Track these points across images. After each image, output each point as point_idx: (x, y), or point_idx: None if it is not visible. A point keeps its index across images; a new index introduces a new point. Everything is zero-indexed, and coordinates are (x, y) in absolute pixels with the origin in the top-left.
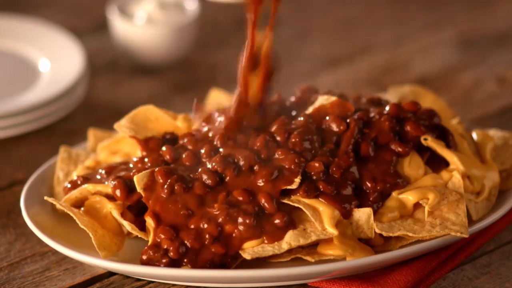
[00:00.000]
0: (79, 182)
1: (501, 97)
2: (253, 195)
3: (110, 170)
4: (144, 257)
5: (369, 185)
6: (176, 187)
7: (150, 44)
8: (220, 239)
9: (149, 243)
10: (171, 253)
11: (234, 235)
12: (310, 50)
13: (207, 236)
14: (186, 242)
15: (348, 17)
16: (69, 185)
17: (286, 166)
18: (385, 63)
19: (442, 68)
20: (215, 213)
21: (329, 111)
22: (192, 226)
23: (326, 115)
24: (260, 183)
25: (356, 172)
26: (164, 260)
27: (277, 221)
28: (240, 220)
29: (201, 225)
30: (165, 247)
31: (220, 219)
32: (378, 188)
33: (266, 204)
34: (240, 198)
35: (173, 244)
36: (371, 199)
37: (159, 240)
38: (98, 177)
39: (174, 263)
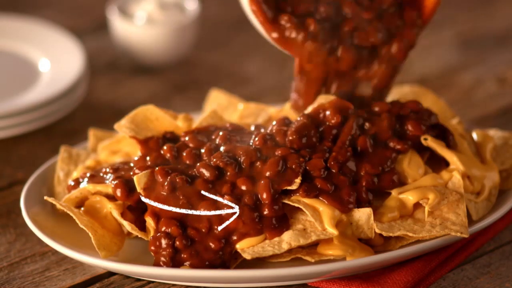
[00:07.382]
0: (80, 180)
1: (501, 97)
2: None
3: (114, 169)
4: (153, 248)
5: (363, 171)
6: (177, 180)
7: (150, 44)
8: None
9: (151, 238)
10: (177, 242)
11: (234, 228)
12: None
13: (207, 226)
14: (188, 232)
15: None
16: (72, 183)
17: (287, 166)
18: None
19: (442, 68)
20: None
21: (327, 109)
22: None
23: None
24: (264, 176)
25: (354, 167)
26: (168, 250)
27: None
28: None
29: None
30: (168, 231)
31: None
32: (371, 172)
33: (266, 200)
34: (244, 187)
35: (178, 231)
36: (364, 184)
37: (163, 230)
38: (102, 175)
39: (176, 256)
